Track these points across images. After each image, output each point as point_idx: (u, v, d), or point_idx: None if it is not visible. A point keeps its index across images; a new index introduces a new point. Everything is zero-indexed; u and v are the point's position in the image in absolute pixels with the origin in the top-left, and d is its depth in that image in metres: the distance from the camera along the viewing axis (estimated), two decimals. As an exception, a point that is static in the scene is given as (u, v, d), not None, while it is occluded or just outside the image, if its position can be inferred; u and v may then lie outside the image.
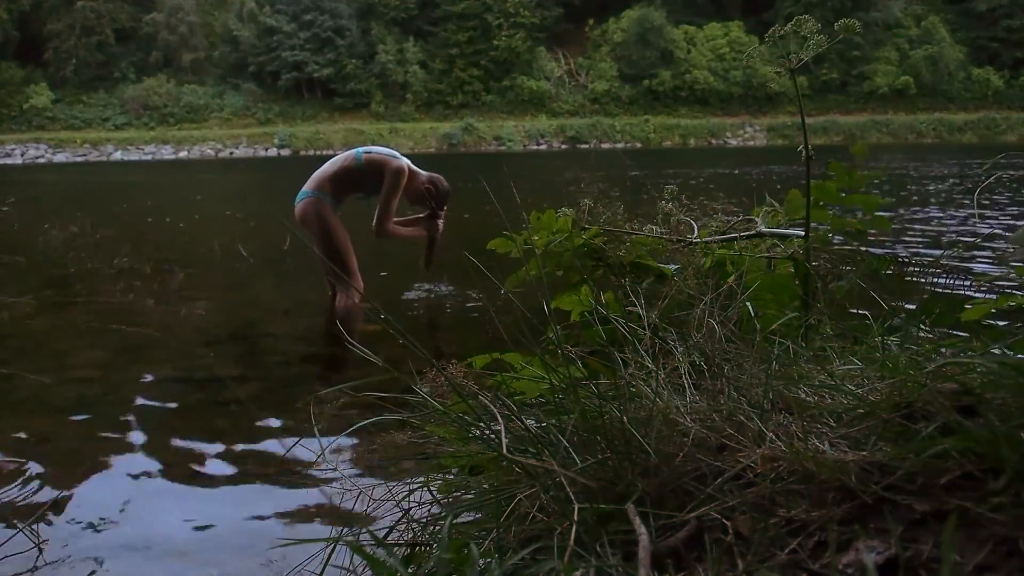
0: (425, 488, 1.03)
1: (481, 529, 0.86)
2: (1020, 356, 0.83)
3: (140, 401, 2.76)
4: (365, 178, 3.94)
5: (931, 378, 0.79)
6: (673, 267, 1.65)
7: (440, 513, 0.95)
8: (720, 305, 1.23)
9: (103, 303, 4.52)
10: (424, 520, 0.95)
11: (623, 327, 1.17)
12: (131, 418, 2.58)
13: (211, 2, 55.54)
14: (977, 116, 48.48)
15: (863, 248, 1.59)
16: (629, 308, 1.33)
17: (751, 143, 46.81)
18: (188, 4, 53.27)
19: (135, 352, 3.41)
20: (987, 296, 1.33)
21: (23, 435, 2.42)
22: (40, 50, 50.43)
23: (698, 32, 53.11)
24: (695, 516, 0.72)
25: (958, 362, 0.82)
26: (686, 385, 0.96)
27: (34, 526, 1.73)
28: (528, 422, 0.93)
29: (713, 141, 48.13)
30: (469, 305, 4.04)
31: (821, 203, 1.53)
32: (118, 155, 44.47)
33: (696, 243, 1.66)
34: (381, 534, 0.94)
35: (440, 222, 4.09)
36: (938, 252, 5.29)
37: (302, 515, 1.85)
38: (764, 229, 1.67)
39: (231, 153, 45.26)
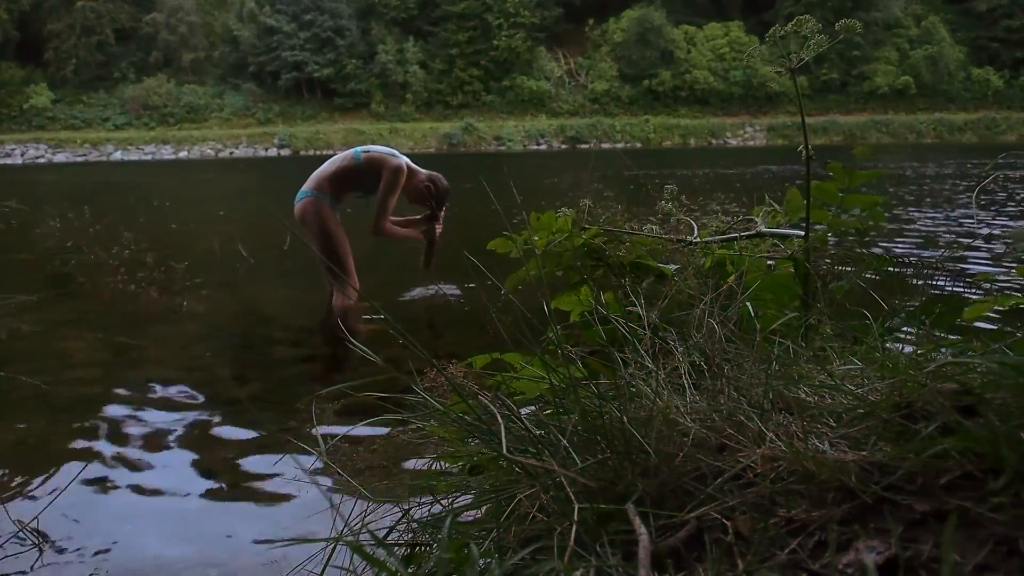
0: (425, 488, 1.03)
1: (481, 529, 0.86)
2: (1020, 356, 0.83)
3: (140, 401, 2.76)
4: (364, 177, 3.94)
5: (931, 378, 0.79)
6: (673, 267, 1.65)
7: (440, 513, 0.95)
8: (720, 305, 1.23)
9: (103, 303, 4.52)
10: (424, 520, 0.95)
11: (623, 327, 1.17)
12: (131, 419, 2.58)
13: (211, 2, 55.54)
14: (977, 116, 48.47)
15: (863, 248, 1.59)
16: (629, 308, 1.33)
17: (751, 143, 46.80)
18: (188, 4, 53.27)
19: (135, 352, 3.41)
20: (990, 295, 1.33)
21: (23, 435, 2.42)
22: (40, 50, 50.43)
23: (698, 32, 53.11)
24: (695, 516, 0.72)
25: (958, 362, 0.82)
26: (686, 385, 0.96)
27: (34, 526, 1.73)
28: (528, 422, 0.93)
29: (713, 141, 48.12)
30: (469, 305, 4.04)
31: (821, 204, 1.53)
32: (118, 155, 44.46)
33: (696, 243, 1.66)
34: (381, 534, 0.94)
35: (439, 226, 4.08)
36: (932, 252, 5.29)
37: (302, 515, 1.85)
38: (764, 229, 1.67)
39: (231, 153, 45.26)
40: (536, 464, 0.83)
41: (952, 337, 1.32)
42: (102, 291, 4.83)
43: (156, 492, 2.02)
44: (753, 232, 1.67)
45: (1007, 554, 0.58)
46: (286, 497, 1.96)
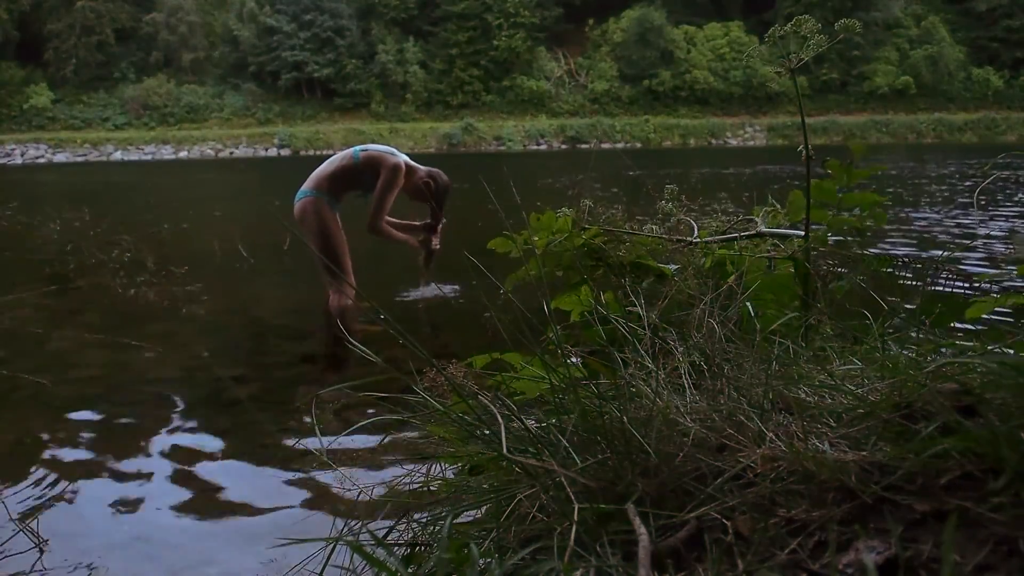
0: (425, 488, 1.03)
1: (481, 529, 0.86)
2: (1020, 356, 0.83)
3: (140, 401, 2.76)
4: (363, 176, 3.94)
5: (931, 378, 0.79)
6: (673, 267, 1.65)
7: (440, 513, 0.95)
8: (720, 305, 1.23)
9: (103, 303, 4.52)
10: (424, 520, 0.95)
11: (623, 327, 1.17)
12: (131, 418, 2.58)
13: (211, 2, 55.52)
14: (977, 116, 48.45)
15: (862, 248, 1.59)
16: (629, 308, 1.33)
17: (751, 143, 46.81)
18: (188, 4, 53.25)
19: (135, 352, 3.41)
20: (992, 295, 1.33)
21: (23, 435, 2.42)
22: (40, 50, 50.41)
23: (698, 32, 53.10)
24: (695, 516, 0.72)
25: (958, 362, 0.82)
26: (686, 385, 0.96)
27: (34, 526, 1.73)
28: (528, 422, 0.93)
29: (713, 141, 48.11)
30: (469, 305, 4.04)
31: (822, 203, 1.53)
32: (118, 155, 44.45)
33: (696, 243, 1.66)
34: (381, 534, 0.94)
35: (436, 239, 4.08)
36: (929, 252, 5.30)
37: (302, 514, 1.85)
38: (764, 229, 1.67)
39: (231, 153, 45.26)
40: (536, 464, 0.83)
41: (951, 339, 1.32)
42: (102, 291, 4.83)
43: (156, 492, 2.02)
44: (753, 232, 1.67)
45: (1007, 554, 0.58)
46: (286, 497, 1.96)
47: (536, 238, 1.66)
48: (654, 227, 1.72)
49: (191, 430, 2.48)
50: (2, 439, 2.39)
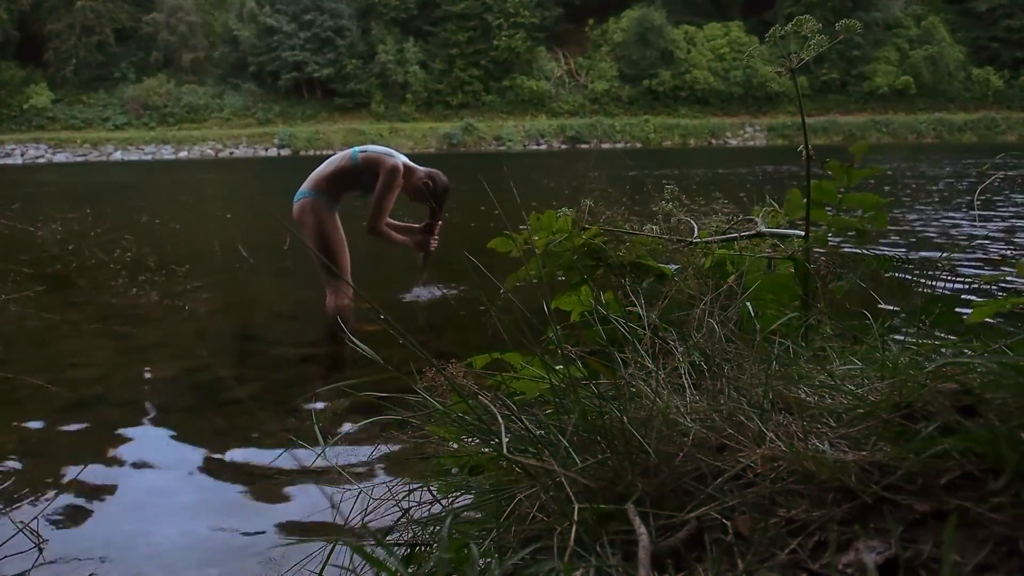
0: (425, 488, 1.03)
1: (481, 529, 0.86)
2: (1020, 356, 0.83)
3: (140, 401, 2.76)
4: (361, 177, 3.94)
5: (931, 378, 0.79)
6: (673, 267, 1.65)
7: (440, 513, 0.95)
8: (720, 305, 1.23)
9: (103, 303, 4.52)
10: (424, 520, 0.95)
11: (623, 327, 1.17)
12: (131, 418, 2.58)
13: (211, 2, 55.51)
14: (977, 116, 48.45)
15: (863, 249, 1.59)
16: (629, 308, 1.33)
17: (751, 143, 46.81)
18: (188, 4, 53.25)
19: (135, 352, 3.41)
20: (995, 296, 1.33)
21: (23, 435, 2.42)
22: (40, 50, 50.41)
23: (698, 32, 53.10)
24: (695, 516, 0.72)
25: (958, 362, 0.82)
26: (686, 385, 0.96)
27: (34, 526, 1.73)
28: (528, 422, 0.93)
29: (713, 141, 48.11)
30: (469, 305, 4.04)
31: (822, 204, 1.52)
32: (118, 155, 44.46)
33: (696, 243, 1.66)
34: (381, 534, 0.94)
35: (434, 240, 4.07)
36: (926, 253, 5.30)
37: (302, 515, 1.85)
38: (764, 229, 1.67)
39: (231, 153, 45.27)
40: (536, 464, 0.83)
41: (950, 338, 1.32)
42: (102, 291, 4.83)
43: (156, 492, 2.02)
44: (753, 232, 1.67)
45: (1007, 554, 0.58)
46: (286, 497, 1.96)
47: (536, 238, 1.66)
48: (654, 227, 1.72)
49: (191, 430, 2.48)
50: (2, 439, 2.39)
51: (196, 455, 2.27)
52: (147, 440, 2.38)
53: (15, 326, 3.97)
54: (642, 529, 0.67)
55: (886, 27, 52.79)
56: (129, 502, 1.96)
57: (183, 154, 45.13)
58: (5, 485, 2.03)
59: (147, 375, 3.08)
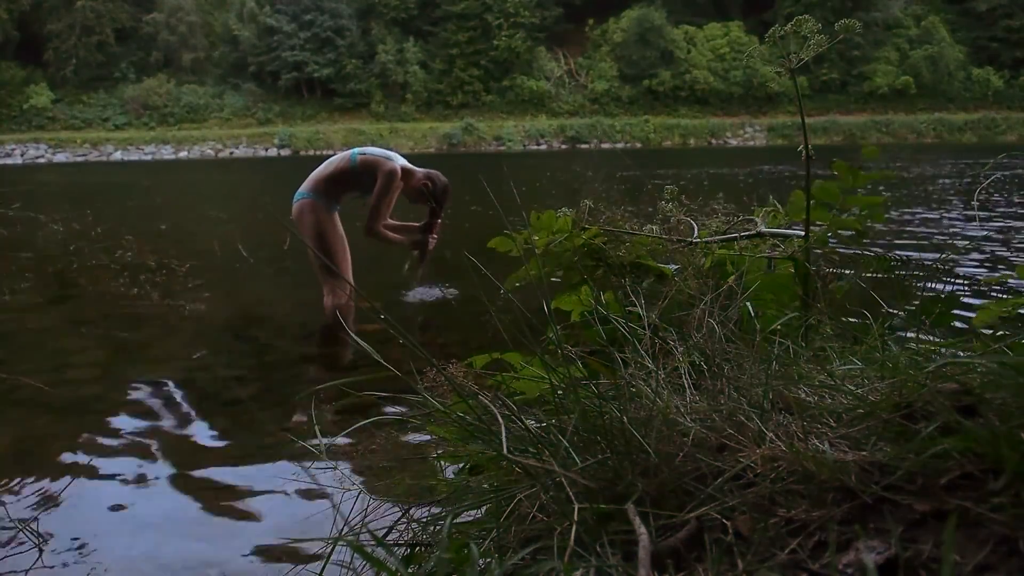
0: (425, 488, 1.03)
1: (481, 529, 0.86)
2: (1020, 356, 0.83)
3: (140, 401, 2.76)
4: (360, 179, 3.95)
5: (931, 378, 0.79)
6: (673, 267, 1.65)
7: (440, 513, 0.95)
8: (720, 305, 1.23)
9: (103, 303, 4.52)
10: (424, 520, 0.95)
11: (623, 327, 1.17)
12: (131, 419, 2.58)
13: (211, 2, 55.51)
14: (977, 116, 48.44)
15: (863, 249, 1.59)
16: (629, 308, 1.33)
17: (751, 143, 46.80)
18: (188, 4, 53.24)
19: (135, 352, 3.41)
20: (997, 298, 1.33)
21: (23, 435, 2.42)
22: (40, 50, 50.40)
23: (698, 32, 53.09)
24: (695, 516, 0.72)
25: (958, 362, 0.82)
26: (686, 385, 0.96)
27: (34, 526, 1.73)
28: (528, 422, 0.93)
29: (713, 141, 48.10)
30: (469, 305, 4.04)
31: (823, 204, 1.52)
32: (118, 155, 44.46)
33: (696, 243, 1.66)
34: (381, 534, 0.94)
35: (433, 238, 4.07)
36: (923, 253, 5.30)
37: (302, 515, 1.85)
38: (764, 229, 1.67)
39: (231, 153, 45.27)
40: (536, 464, 0.83)
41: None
42: (102, 291, 4.83)
43: (156, 492, 2.02)
44: (753, 232, 1.67)
45: (1007, 554, 0.58)
46: (286, 497, 1.96)
47: (536, 238, 1.67)
48: (654, 227, 1.72)
49: (191, 430, 2.48)
50: (2, 439, 2.39)
51: (196, 455, 2.27)
52: (147, 440, 2.38)
53: (15, 326, 3.97)
54: (642, 529, 0.68)
55: (886, 27, 52.79)
56: (129, 502, 1.95)
57: (183, 154, 45.12)
58: (5, 485, 2.03)
59: (147, 375, 3.08)
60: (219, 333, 3.80)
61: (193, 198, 14.58)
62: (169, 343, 3.58)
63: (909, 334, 1.20)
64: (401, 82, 51.78)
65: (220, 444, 2.35)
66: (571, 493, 0.75)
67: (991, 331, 1.27)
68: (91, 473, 2.13)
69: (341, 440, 2.15)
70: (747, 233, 1.67)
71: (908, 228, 6.92)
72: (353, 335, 1.07)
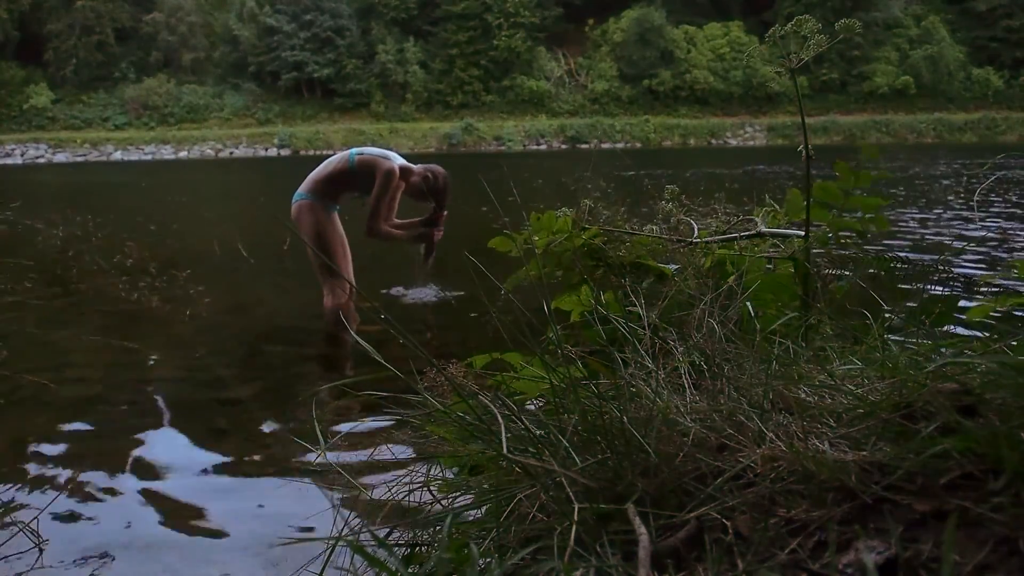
0: (425, 488, 1.03)
1: (481, 529, 0.86)
2: (1020, 356, 0.83)
3: (140, 401, 2.76)
4: (358, 179, 3.95)
5: (931, 378, 0.79)
6: (673, 267, 1.65)
7: (440, 513, 0.95)
8: (720, 305, 1.23)
9: (103, 303, 4.52)
10: (424, 520, 0.95)
11: (623, 327, 1.17)
12: (131, 418, 2.58)
13: (211, 2, 55.50)
14: (977, 116, 48.41)
15: (862, 249, 1.59)
16: (629, 308, 1.33)
17: (751, 143, 46.80)
18: (188, 4, 53.23)
19: (135, 352, 3.41)
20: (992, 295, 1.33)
21: (23, 435, 2.42)
22: (40, 50, 50.39)
23: (698, 32, 53.08)
24: (695, 516, 0.72)
25: (958, 362, 0.82)
26: (686, 385, 0.96)
27: (34, 526, 1.73)
28: (528, 422, 0.93)
29: (713, 141, 48.09)
30: (469, 305, 4.04)
31: (823, 203, 1.52)
32: (118, 155, 44.45)
33: (696, 243, 1.66)
34: (381, 534, 0.94)
35: (438, 232, 4.05)
36: (920, 255, 5.30)
37: (302, 515, 1.85)
38: (764, 229, 1.67)
39: (231, 153, 45.26)
40: (536, 464, 0.83)
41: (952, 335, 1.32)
42: (102, 291, 4.83)
43: (155, 492, 2.02)
44: (753, 232, 1.67)
45: (1007, 554, 0.58)
46: (287, 497, 1.96)
47: (536, 238, 1.66)
48: (654, 227, 1.72)
49: (191, 430, 2.48)
50: (2, 439, 2.39)
51: (196, 455, 2.27)
52: (147, 440, 2.38)
53: (15, 326, 3.97)
54: (642, 529, 0.68)
55: (886, 27, 52.78)
56: (129, 502, 1.95)
57: (183, 154, 45.11)
58: (5, 485, 2.03)
59: (147, 375, 3.08)
60: (219, 333, 3.80)
61: (193, 198, 14.58)
62: (169, 343, 3.58)
63: (908, 334, 1.20)
64: (401, 82, 51.77)
65: (220, 444, 2.35)
66: (571, 493, 0.75)
67: (986, 332, 1.27)
68: (91, 473, 2.13)
69: (341, 440, 2.15)
70: (747, 233, 1.67)
71: (906, 229, 6.92)
72: (353, 335, 1.07)
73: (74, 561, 1.64)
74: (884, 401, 0.79)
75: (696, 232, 1.71)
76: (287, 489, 1.99)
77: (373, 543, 0.82)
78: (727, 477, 0.75)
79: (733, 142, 47.80)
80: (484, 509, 0.90)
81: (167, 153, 45.06)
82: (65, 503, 1.93)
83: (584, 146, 46.45)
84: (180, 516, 1.88)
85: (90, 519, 1.85)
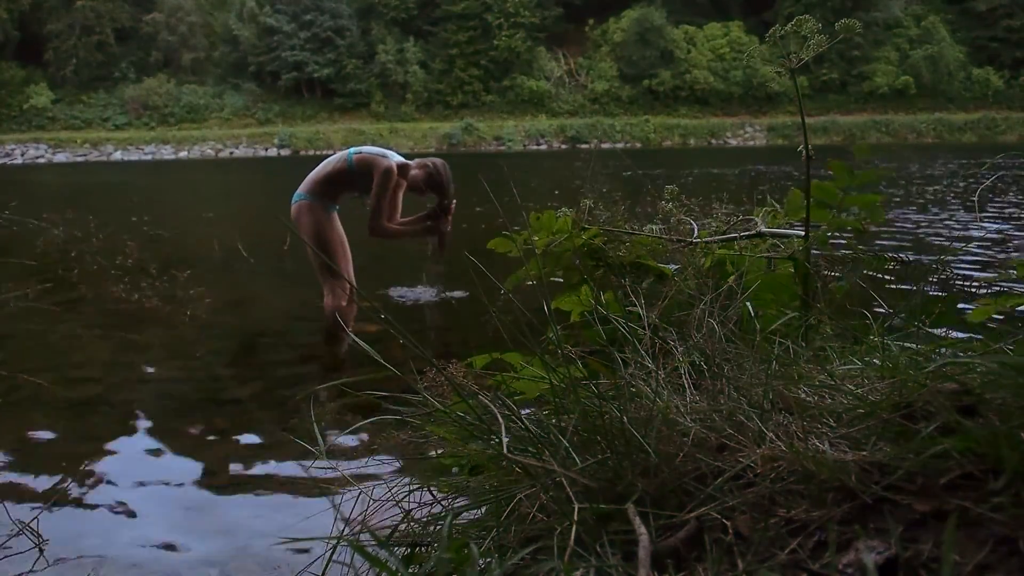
0: (425, 488, 1.03)
1: (481, 529, 0.86)
2: (1020, 356, 0.83)
3: (140, 401, 2.76)
4: (356, 179, 3.94)
5: (931, 378, 0.79)
6: (673, 267, 1.65)
7: (440, 513, 0.95)
8: (720, 305, 1.23)
9: (103, 303, 4.52)
10: (424, 520, 0.95)
11: (623, 327, 1.17)
12: (131, 418, 2.58)
13: (211, 2, 55.49)
14: (977, 116, 48.40)
15: (862, 249, 1.59)
16: (629, 308, 1.33)
17: (751, 143, 46.80)
18: (188, 4, 53.22)
19: (135, 352, 3.41)
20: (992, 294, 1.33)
21: (23, 435, 2.42)
22: (40, 50, 50.38)
23: (698, 32, 53.08)
24: (695, 516, 0.72)
25: (958, 362, 0.82)
26: (686, 385, 0.96)
27: (34, 526, 1.73)
28: (528, 422, 0.93)
29: (713, 141, 48.08)
30: (469, 305, 4.04)
31: (822, 203, 1.52)
32: (118, 155, 44.44)
33: (696, 243, 1.66)
34: (381, 534, 0.94)
35: (446, 223, 4.03)
36: (923, 256, 5.29)
37: (302, 515, 1.85)
38: (764, 229, 1.67)
39: (231, 153, 45.25)
40: (536, 464, 0.83)
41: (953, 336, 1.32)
42: (102, 291, 4.83)
43: (156, 492, 2.02)
44: (753, 232, 1.67)
45: (1007, 554, 0.58)
46: (287, 496, 1.96)
47: (536, 238, 1.67)
48: (654, 227, 1.72)
49: (191, 430, 2.48)
50: (2, 439, 2.39)
51: (196, 455, 2.27)
52: (147, 440, 2.38)
53: (15, 326, 3.97)
54: (642, 529, 0.67)
55: (886, 27, 52.77)
56: (129, 502, 1.95)
57: (183, 154, 45.10)
58: (5, 485, 2.03)
59: (147, 375, 3.08)
60: (219, 333, 3.80)
61: (193, 198, 14.57)
62: (169, 343, 3.58)
63: (908, 335, 1.20)
64: (401, 82, 51.76)
65: (220, 444, 2.35)
66: (571, 493, 0.75)
67: (980, 337, 1.27)
68: (91, 473, 2.13)
69: (341, 440, 2.15)
70: (747, 233, 1.67)
71: (905, 229, 6.92)
72: (353, 335, 1.07)
73: (74, 561, 1.64)
74: (884, 401, 0.79)
75: (696, 232, 1.71)
76: (287, 489, 1.99)
77: (373, 543, 0.82)
78: (727, 477, 0.75)
79: (733, 142, 47.79)
80: (484, 509, 0.90)
81: (167, 153, 45.05)
82: (65, 503, 1.93)
83: (584, 146, 46.44)
84: (180, 516, 1.88)
85: (90, 519, 1.85)
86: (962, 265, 4.90)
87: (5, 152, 42.98)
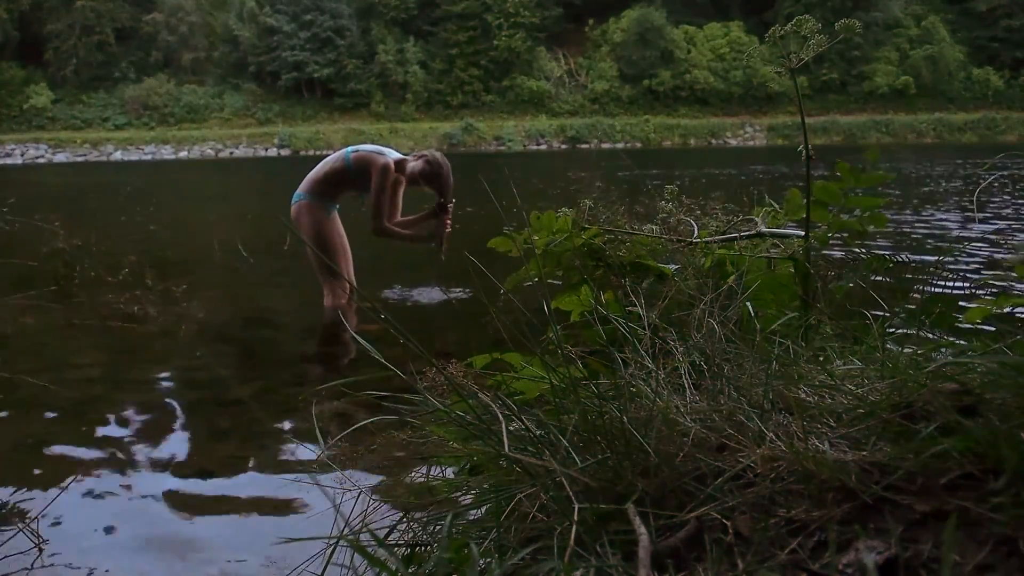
0: (425, 488, 1.03)
1: (481, 529, 0.86)
2: (1020, 356, 0.83)
3: (140, 401, 2.76)
4: (355, 178, 3.94)
5: (931, 378, 0.79)
6: (673, 267, 1.65)
7: (440, 513, 0.95)
8: (720, 305, 1.23)
9: (103, 303, 4.51)
10: (424, 520, 0.95)
11: (623, 327, 1.17)
12: (131, 419, 2.58)
13: (211, 2, 55.48)
14: (977, 116, 48.40)
15: (862, 249, 1.59)
16: (629, 308, 1.33)
17: (751, 143, 46.79)
18: (188, 4, 53.21)
19: (135, 352, 3.41)
20: (988, 295, 1.33)
21: (23, 436, 2.42)
22: (40, 50, 50.37)
23: (698, 32, 53.07)
24: (695, 516, 0.72)
25: (958, 362, 0.82)
26: (686, 385, 0.96)
27: (34, 526, 1.73)
28: (528, 422, 0.93)
29: (713, 141, 48.08)
30: (469, 305, 4.04)
31: (823, 203, 1.52)
32: (118, 155, 44.44)
33: (696, 243, 1.66)
34: (381, 534, 0.94)
35: (447, 223, 4.02)
36: (913, 256, 5.30)
37: (302, 515, 1.85)
38: (764, 229, 1.67)
39: (231, 153, 45.26)
40: (536, 464, 0.83)
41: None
42: (102, 292, 4.83)
43: (156, 492, 2.02)
44: (753, 232, 1.67)
45: (1007, 554, 0.58)
46: (287, 496, 1.96)
47: (536, 238, 1.67)
48: (654, 227, 1.72)
49: (191, 430, 2.48)
50: (2, 439, 2.39)
51: (196, 455, 2.27)
52: (147, 440, 2.38)
53: (15, 326, 3.97)
54: (642, 529, 0.68)
55: (886, 27, 52.76)
56: (128, 502, 1.95)
57: (183, 154, 45.10)
58: (5, 485, 2.03)
59: (147, 375, 3.08)
60: (219, 333, 3.80)
61: (193, 198, 14.57)
62: (169, 343, 3.58)
63: (908, 335, 1.20)
64: (401, 82, 51.76)
65: (220, 444, 2.35)
66: (571, 493, 0.75)
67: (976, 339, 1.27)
68: (91, 473, 2.13)
69: (341, 440, 2.14)
70: (747, 233, 1.67)
71: (905, 229, 6.92)
72: (354, 334, 1.07)
73: (74, 561, 1.64)
74: (884, 401, 0.79)
75: (696, 232, 1.71)
76: (287, 488, 1.99)
77: (373, 543, 0.82)
78: (727, 477, 0.75)
79: (733, 142, 47.79)
80: (484, 509, 0.90)
81: (167, 153, 45.05)
82: (65, 503, 1.93)
83: (584, 146, 46.44)
84: (180, 516, 1.88)
85: (90, 519, 1.85)
86: (967, 265, 4.90)
87: (5, 152, 42.97)
